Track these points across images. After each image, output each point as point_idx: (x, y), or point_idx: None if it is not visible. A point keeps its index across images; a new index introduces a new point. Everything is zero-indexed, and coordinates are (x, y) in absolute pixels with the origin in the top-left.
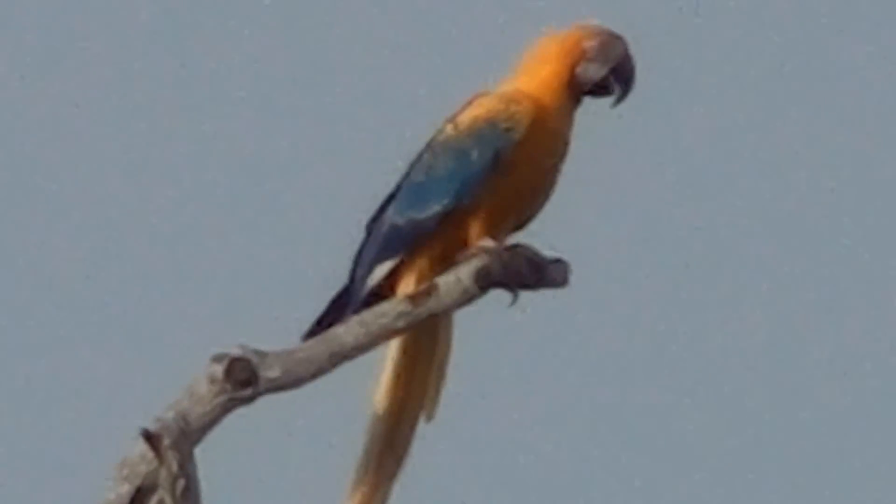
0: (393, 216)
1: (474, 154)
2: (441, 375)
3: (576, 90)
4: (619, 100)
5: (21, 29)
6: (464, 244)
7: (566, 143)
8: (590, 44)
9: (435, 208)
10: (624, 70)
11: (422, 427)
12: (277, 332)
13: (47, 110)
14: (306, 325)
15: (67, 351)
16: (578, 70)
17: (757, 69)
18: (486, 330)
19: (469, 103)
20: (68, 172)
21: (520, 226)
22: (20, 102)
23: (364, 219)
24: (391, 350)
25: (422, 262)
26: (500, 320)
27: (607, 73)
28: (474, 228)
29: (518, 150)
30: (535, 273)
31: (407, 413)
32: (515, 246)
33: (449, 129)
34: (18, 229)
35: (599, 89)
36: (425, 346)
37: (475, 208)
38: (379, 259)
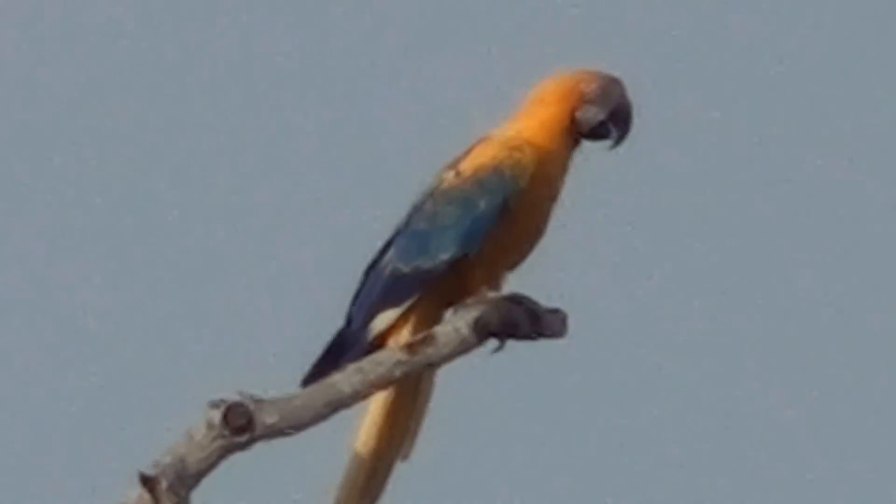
0: (396, 264)
1: (481, 203)
2: (420, 418)
3: (575, 133)
4: (617, 143)
5: (20, 29)
6: (463, 292)
7: (562, 187)
8: (589, 87)
9: (442, 257)
10: (622, 113)
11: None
12: (275, 378)
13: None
14: (304, 370)
15: (66, 394)
16: (578, 113)
17: (753, 111)
18: (481, 380)
19: (470, 150)
20: (68, 217)
21: (512, 267)
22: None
23: (358, 264)
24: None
25: (420, 311)
26: (496, 370)
27: (606, 117)
28: (475, 276)
29: (521, 197)
30: (532, 324)
31: (385, 454)
32: (513, 296)
33: (451, 176)
34: (18, 279)
35: (598, 132)
36: (408, 390)
37: (477, 256)
38: (381, 307)
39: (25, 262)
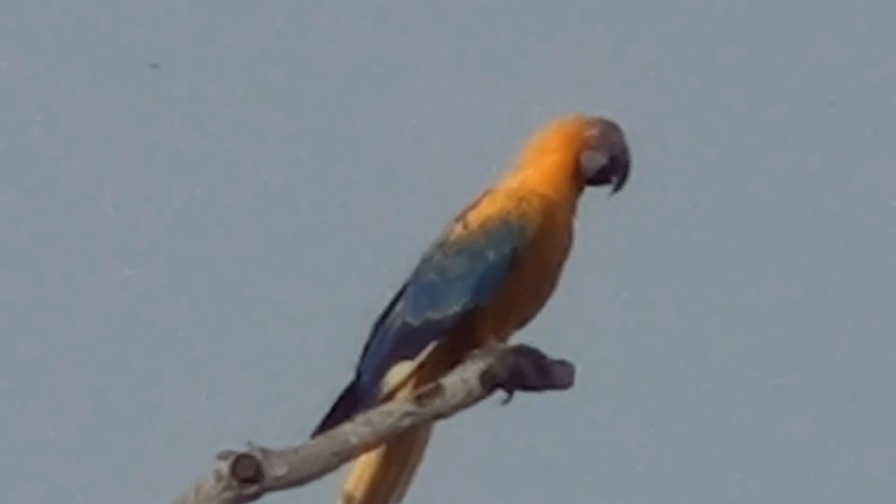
0: (406, 317)
1: (490, 254)
2: (413, 467)
3: (579, 179)
4: (618, 187)
5: (20, 29)
6: (472, 344)
7: (571, 235)
8: (591, 132)
9: (454, 308)
10: (623, 157)
11: None
12: (283, 429)
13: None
14: (311, 421)
15: (74, 447)
16: (582, 159)
17: (754, 153)
18: (486, 429)
19: (477, 201)
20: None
21: (523, 323)
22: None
23: (366, 317)
24: None
25: (430, 363)
26: (505, 421)
27: (609, 161)
28: (483, 328)
29: (530, 247)
30: (540, 375)
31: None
32: (520, 347)
33: (459, 228)
34: (29, 327)
35: (601, 177)
36: (405, 439)
37: (487, 308)
38: (393, 360)
39: (41, 315)
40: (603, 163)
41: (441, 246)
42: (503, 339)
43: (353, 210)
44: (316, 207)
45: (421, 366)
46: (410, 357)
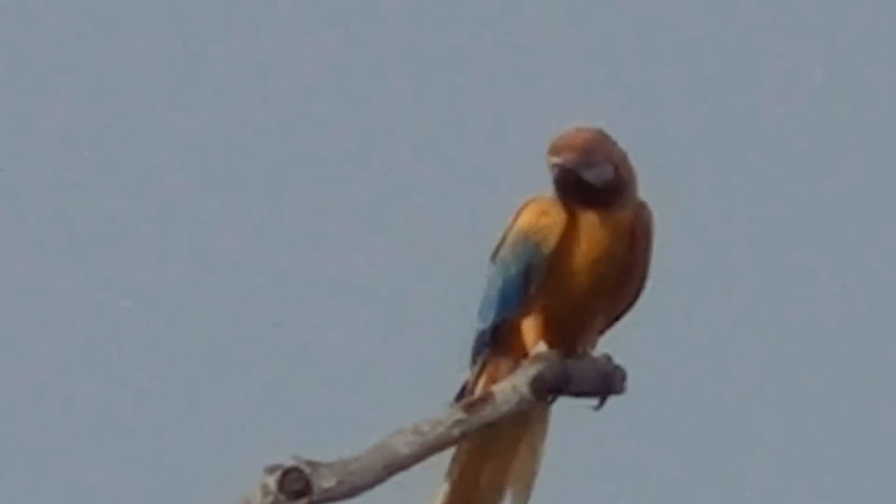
0: (475, 323)
1: (512, 268)
2: (525, 464)
3: (590, 196)
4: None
5: (22, 30)
6: (522, 353)
7: (623, 242)
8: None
9: (489, 319)
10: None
11: None
12: (331, 441)
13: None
14: (360, 432)
15: (121, 463)
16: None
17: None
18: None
19: (518, 212)
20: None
21: (617, 317)
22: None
23: (411, 322)
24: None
25: (489, 370)
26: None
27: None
28: (529, 336)
29: (553, 260)
30: (602, 383)
31: None
32: (583, 354)
33: (500, 239)
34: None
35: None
36: (491, 447)
37: (527, 317)
38: (471, 363)
39: (84, 337)
40: (608, 174)
41: (492, 256)
42: (565, 345)
43: (402, 225)
44: (370, 225)
45: (484, 375)
46: (472, 363)
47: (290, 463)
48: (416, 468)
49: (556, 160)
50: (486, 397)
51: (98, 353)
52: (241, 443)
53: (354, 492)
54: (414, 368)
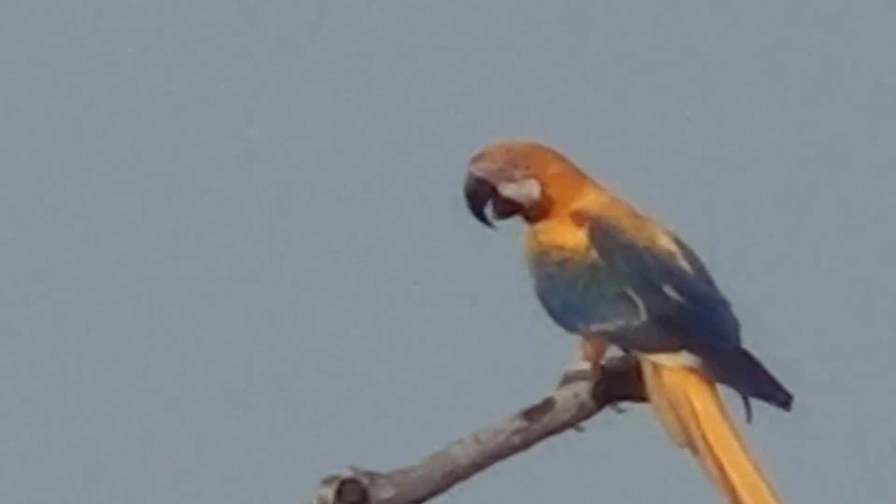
0: None
1: None
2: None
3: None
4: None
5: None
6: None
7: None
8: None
9: None
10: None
11: None
12: (389, 451)
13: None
14: (418, 441)
15: (174, 472)
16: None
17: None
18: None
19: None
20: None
21: None
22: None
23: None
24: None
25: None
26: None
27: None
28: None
29: None
30: None
31: None
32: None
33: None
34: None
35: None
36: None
37: None
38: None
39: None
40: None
41: None
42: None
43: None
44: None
45: None
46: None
47: (347, 474)
48: (476, 478)
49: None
50: (547, 405)
51: (152, 358)
52: (298, 454)
53: (413, 502)
54: (474, 376)
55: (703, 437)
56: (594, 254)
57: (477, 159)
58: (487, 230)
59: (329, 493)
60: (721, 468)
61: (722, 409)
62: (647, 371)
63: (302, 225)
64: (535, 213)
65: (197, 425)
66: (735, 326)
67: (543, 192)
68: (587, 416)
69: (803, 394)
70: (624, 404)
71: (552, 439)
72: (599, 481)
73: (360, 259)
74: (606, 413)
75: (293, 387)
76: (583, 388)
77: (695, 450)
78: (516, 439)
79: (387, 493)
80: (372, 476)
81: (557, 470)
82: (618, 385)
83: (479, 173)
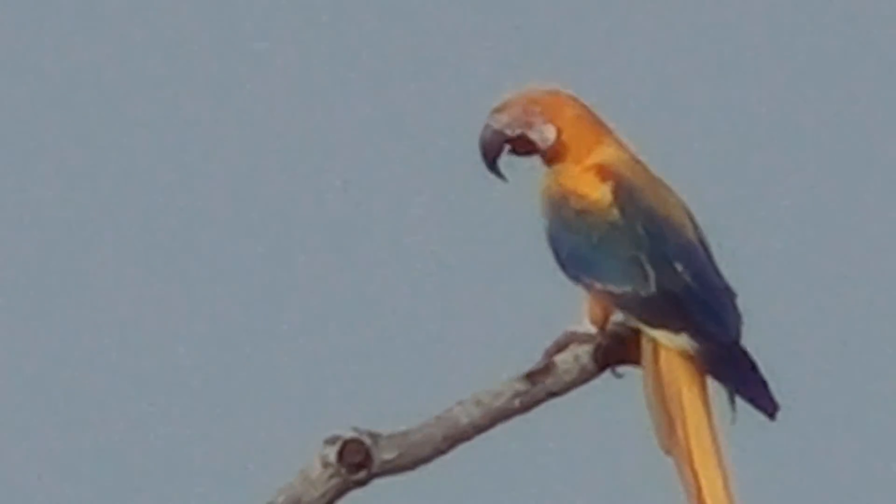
0: None
1: None
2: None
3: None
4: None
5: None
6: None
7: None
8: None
9: None
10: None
11: None
12: (391, 412)
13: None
14: (419, 404)
15: (177, 434)
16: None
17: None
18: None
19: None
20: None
21: None
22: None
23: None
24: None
25: None
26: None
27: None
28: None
29: None
30: None
31: None
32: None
33: None
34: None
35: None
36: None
37: None
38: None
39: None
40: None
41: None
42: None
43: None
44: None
45: None
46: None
47: (350, 434)
48: (478, 439)
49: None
50: (548, 367)
51: (155, 319)
52: (301, 414)
53: (415, 463)
54: (475, 338)
55: (684, 430)
56: (616, 212)
57: (497, 110)
58: (495, 189)
59: (331, 453)
60: (691, 465)
61: (708, 406)
62: (646, 345)
63: (306, 179)
64: (551, 156)
65: (200, 384)
66: (738, 319)
67: (560, 137)
68: (587, 380)
69: (792, 402)
70: (623, 368)
71: (553, 402)
72: (600, 444)
73: (363, 218)
74: (607, 376)
75: (297, 346)
76: (584, 351)
77: (671, 438)
78: (517, 402)
79: (389, 454)
80: (374, 437)
81: (558, 432)
82: (619, 349)
83: (495, 125)
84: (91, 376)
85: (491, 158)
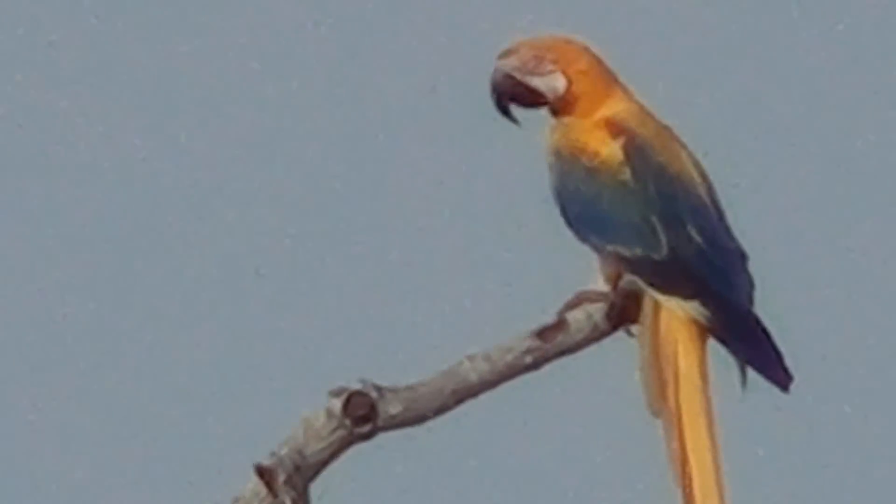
0: None
1: None
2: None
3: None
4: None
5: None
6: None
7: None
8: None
9: None
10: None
11: None
12: (398, 366)
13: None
14: (427, 358)
15: (179, 381)
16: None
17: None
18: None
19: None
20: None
21: None
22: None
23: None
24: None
25: None
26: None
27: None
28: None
29: None
30: None
31: None
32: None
33: None
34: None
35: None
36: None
37: None
38: None
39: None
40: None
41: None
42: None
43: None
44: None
45: None
46: None
47: (356, 387)
48: (485, 396)
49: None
50: (560, 325)
51: (154, 281)
52: (307, 365)
53: (421, 418)
54: (487, 293)
55: (676, 394)
56: (627, 172)
57: (505, 54)
58: (511, 141)
59: (337, 404)
60: (680, 431)
61: (704, 373)
62: (647, 304)
63: (314, 131)
64: (560, 107)
65: (204, 334)
66: (750, 285)
67: (569, 87)
68: (599, 338)
69: (805, 375)
70: (636, 327)
71: (563, 359)
72: (609, 402)
73: (373, 168)
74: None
75: (305, 299)
76: (596, 310)
77: (662, 400)
78: (527, 358)
79: (395, 407)
80: (380, 390)
81: (567, 390)
82: (632, 308)
83: (506, 68)
84: (94, 327)
85: (505, 103)
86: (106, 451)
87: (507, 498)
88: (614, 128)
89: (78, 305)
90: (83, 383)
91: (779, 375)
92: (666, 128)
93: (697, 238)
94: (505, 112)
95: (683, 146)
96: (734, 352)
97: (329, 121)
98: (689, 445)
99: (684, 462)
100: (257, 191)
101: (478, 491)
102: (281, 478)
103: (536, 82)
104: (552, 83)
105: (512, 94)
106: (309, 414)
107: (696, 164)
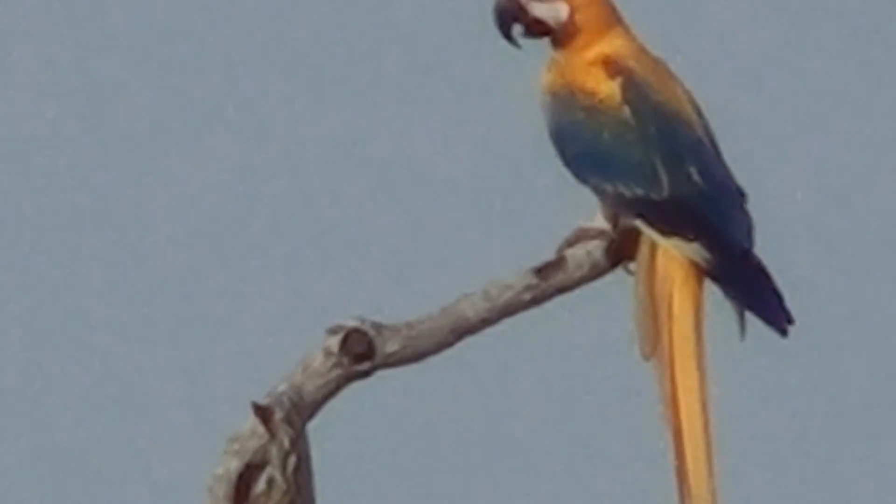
0: None
1: None
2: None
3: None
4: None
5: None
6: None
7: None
8: None
9: None
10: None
11: None
12: (396, 303)
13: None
14: (425, 296)
15: (179, 323)
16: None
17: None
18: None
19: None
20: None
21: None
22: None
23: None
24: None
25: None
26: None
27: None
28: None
29: None
30: None
31: None
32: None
33: None
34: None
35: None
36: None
37: None
38: None
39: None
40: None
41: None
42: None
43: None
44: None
45: None
46: None
47: (353, 324)
48: (484, 333)
49: None
50: (559, 262)
51: (158, 197)
52: (305, 303)
53: (419, 356)
54: (486, 230)
55: (669, 336)
56: (627, 111)
57: None
58: (513, 75)
59: (334, 343)
60: (672, 374)
61: (699, 316)
62: (644, 244)
63: (311, 60)
64: (561, 37)
65: (203, 269)
66: (749, 225)
67: (572, 17)
68: (599, 275)
69: (805, 319)
70: (634, 265)
71: (562, 297)
72: (608, 339)
73: (372, 103)
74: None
75: (303, 235)
76: (596, 247)
77: (655, 343)
78: (526, 296)
79: (393, 345)
80: (378, 327)
81: (567, 327)
82: (631, 245)
83: None
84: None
85: (507, 26)
86: (103, 392)
87: (505, 436)
88: (612, 66)
89: (78, 238)
90: (83, 322)
91: (779, 318)
92: (662, 63)
93: (697, 178)
94: (507, 36)
95: (679, 82)
96: (732, 296)
97: (333, 43)
98: (680, 387)
99: (674, 404)
100: (261, 128)
101: (476, 429)
102: (278, 416)
103: (539, 10)
104: (555, 10)
105: (515, 19)
106: (307, 352)
107: (692, 101)
